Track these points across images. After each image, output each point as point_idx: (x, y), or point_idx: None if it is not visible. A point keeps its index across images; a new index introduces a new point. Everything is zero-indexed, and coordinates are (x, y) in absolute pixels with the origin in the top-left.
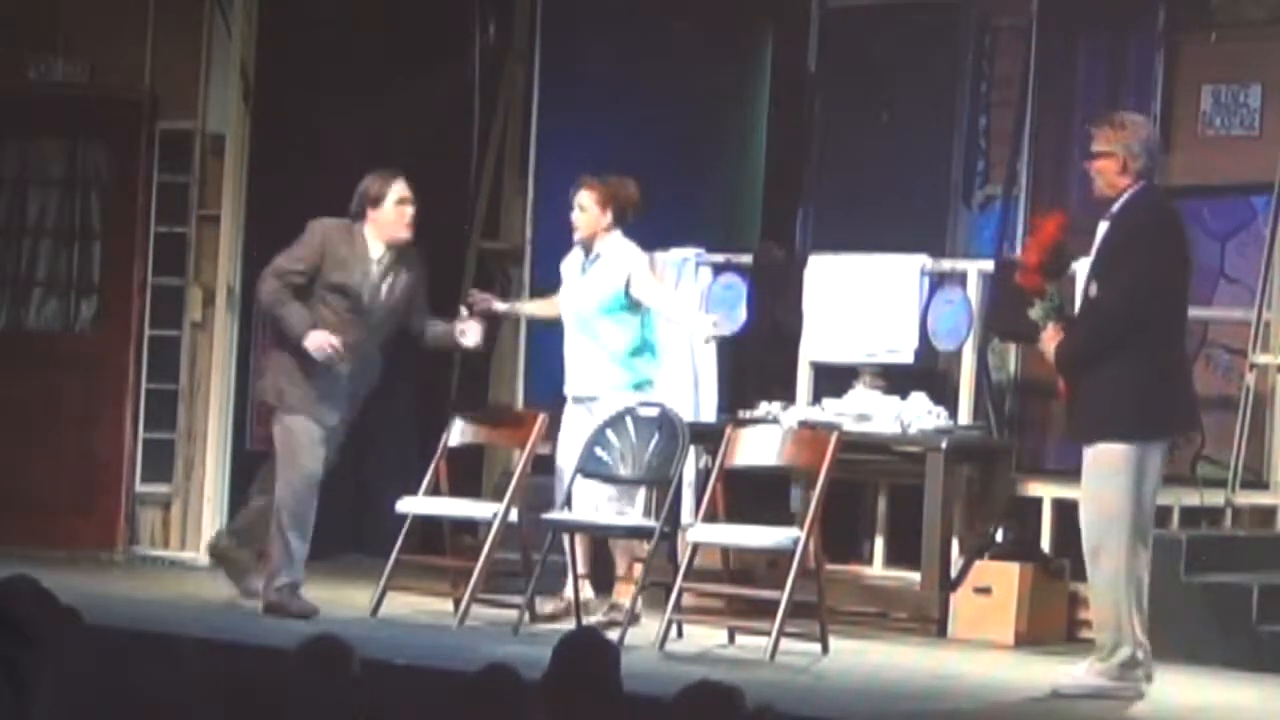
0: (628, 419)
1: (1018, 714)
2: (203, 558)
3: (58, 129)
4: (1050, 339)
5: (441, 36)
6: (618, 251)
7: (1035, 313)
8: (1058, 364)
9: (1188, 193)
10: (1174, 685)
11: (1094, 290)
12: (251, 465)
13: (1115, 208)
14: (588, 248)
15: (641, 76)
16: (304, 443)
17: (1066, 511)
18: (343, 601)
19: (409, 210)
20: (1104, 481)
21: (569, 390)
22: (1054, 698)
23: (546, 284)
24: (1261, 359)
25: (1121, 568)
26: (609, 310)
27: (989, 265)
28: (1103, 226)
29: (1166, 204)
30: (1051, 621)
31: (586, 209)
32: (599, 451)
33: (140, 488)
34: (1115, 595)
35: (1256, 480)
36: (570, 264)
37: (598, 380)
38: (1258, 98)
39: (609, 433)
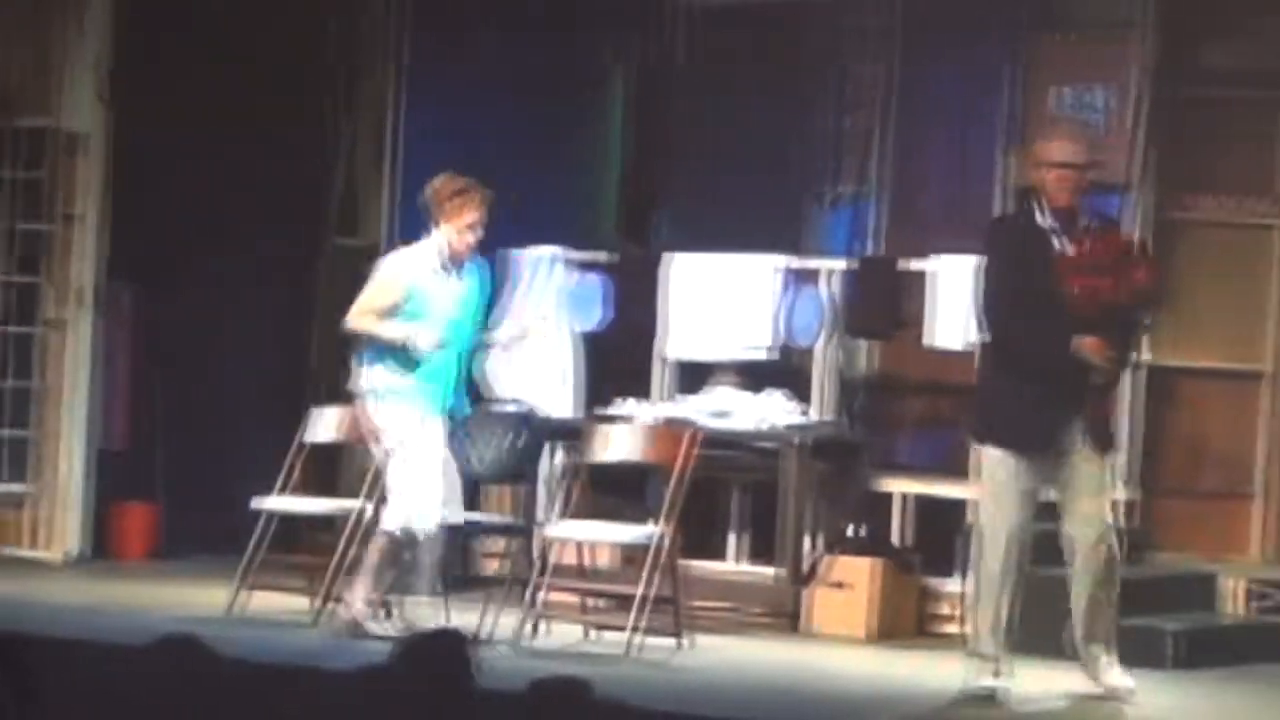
0: (486, 417)
1: (873, 707)
2: (58, 556)
3: None
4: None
5: (301, 32)
6: None
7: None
8: None
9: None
10: (1034, 678)
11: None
12: (114, 465)
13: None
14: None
15: (501, 74)
16: None
17: (919, 507)
18: (199, 601)
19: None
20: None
21: None
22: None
23: None
24: None
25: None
26: None
27: (842, 264)
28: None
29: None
30: (904, 616)
31: None
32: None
33: None
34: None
35: None
36: None
37: None
38: (1104, 98)
39: (469, 430)
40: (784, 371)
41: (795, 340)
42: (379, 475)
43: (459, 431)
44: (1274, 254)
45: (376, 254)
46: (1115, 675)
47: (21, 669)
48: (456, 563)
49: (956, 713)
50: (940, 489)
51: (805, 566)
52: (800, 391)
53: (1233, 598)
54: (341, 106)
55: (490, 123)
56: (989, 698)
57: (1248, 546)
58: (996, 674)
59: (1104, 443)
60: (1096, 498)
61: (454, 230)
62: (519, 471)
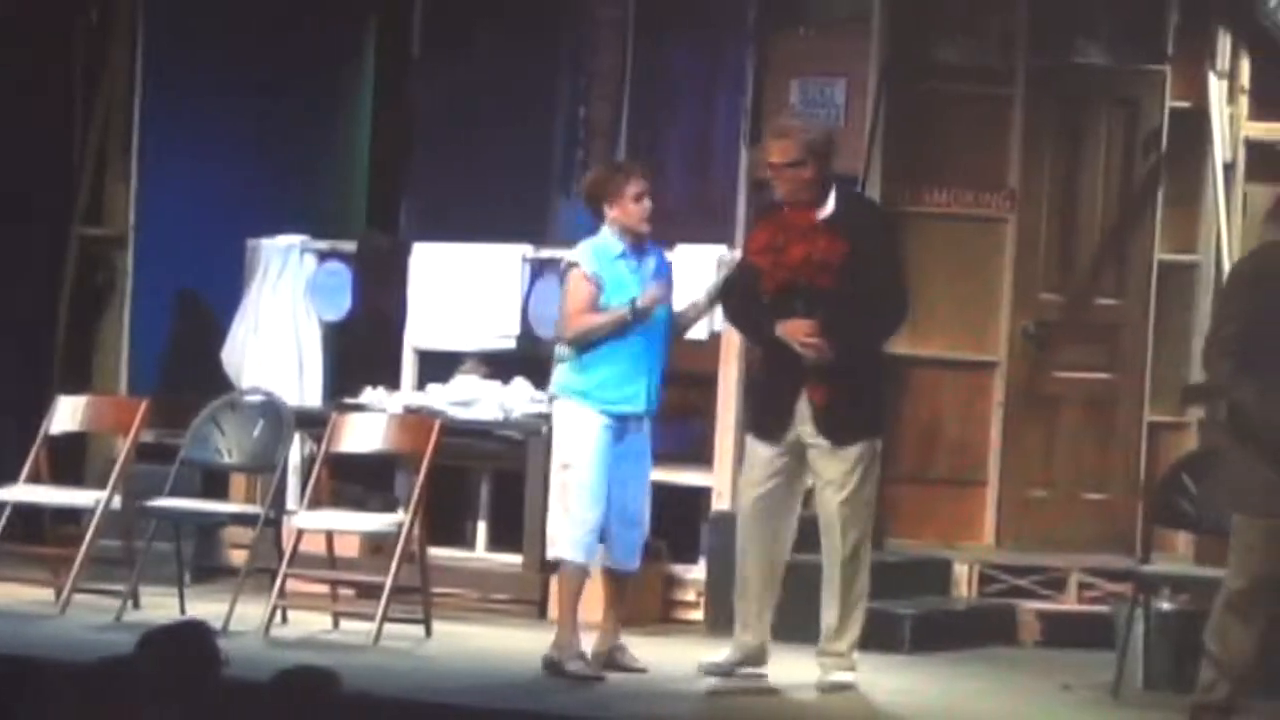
0: (232, 406)
1: (616, 693)
2: None
3: None
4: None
5: (44, 17)
6: None
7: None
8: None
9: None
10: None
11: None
12: None
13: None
14: None
15: (248, 62)
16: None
17: (664, 495)
18: None
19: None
20: None
21: None
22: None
23: (152, 271)
24: None
25: None
26: None
27: None
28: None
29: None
30: (648, 603)
31: None
32: (205, 438)
33: None
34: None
35: None
36: None
37: None
38: (842, 92)
39: (215, 420)
40: (530, 361)
41: (541, 330)
42: (126, 466)
43: (207, 421)
44: (1006, 246)
45: (124, 243)
46: (838, 674)
47: None
48: (203, 553)
49: (701, 697)
50: (685, 477)
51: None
52: (546, 381)
53: (966, 582)
54: (86, 96)
55: (235, 111)
56: (738, 681)
57: (981, 532)
58: (745, 658)
59: (833, 429)
60: (839, 493)
61: (622, 208)
62: (265, 460)
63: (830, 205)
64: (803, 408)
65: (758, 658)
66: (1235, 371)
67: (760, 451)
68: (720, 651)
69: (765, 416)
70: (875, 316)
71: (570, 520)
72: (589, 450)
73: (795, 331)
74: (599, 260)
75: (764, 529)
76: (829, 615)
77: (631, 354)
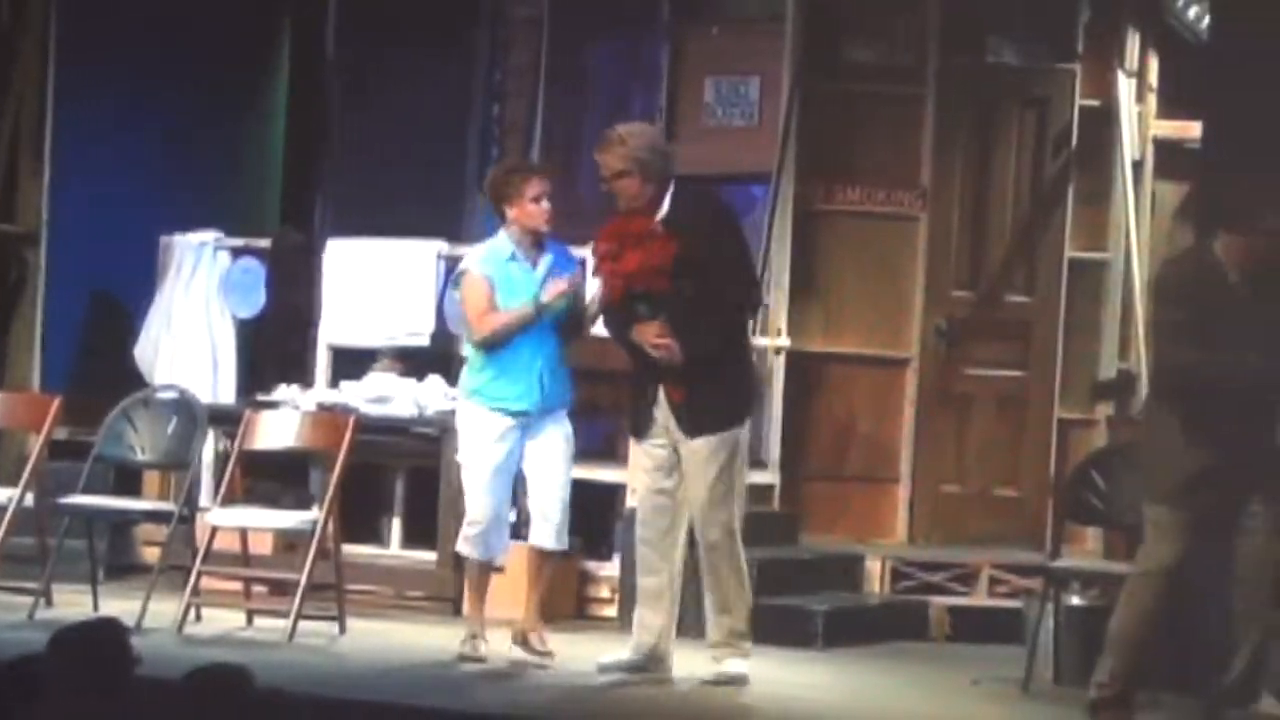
0: (146, 403)
1: (528, 687)
2: None
3: None
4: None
5: None
6: None
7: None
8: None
9: (693, 182)
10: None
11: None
12: None
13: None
14: None
15: (160, 60)
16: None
17: (578, 492)
18: None
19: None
20: None
21: None
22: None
23: (64, 268)
24: (761, 342)
25: None
26: None
27: None
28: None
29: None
30: (563, 599)
31: None
32: (118, 435)
33: None
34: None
35: (754, 460)
36: None
37: None
38: (756, 90)
39: (128, 417)
40: (444, 357)
41: (453, 327)
42: (39, 462)
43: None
44: (918, 244)
45: (36, 240)
46: (730, 663)
47: None
48: (115, 550)
49: (604, 690)
50: (598, 474)
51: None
52: (458, 377)
53: (878, 578)
54: None
55: (148, 108)
56: (639, 674)
57: (893, 529)
58: (644, 659)
59: (693, 422)
60: (698, 484)
61: (521, 208)
62: (179, 458)
63: (665, 209)
64: (664, 404)
65: (657, 659)
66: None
67: (641, 449)
68: (621, 650)
69: (635, 416)
70: (719, 313)
71: (467, 518)
72: (478, 449)
73: (644, 335)
74: (489, 263)
75: (654, 528)
76: (708, 606)
77: (518, 351)
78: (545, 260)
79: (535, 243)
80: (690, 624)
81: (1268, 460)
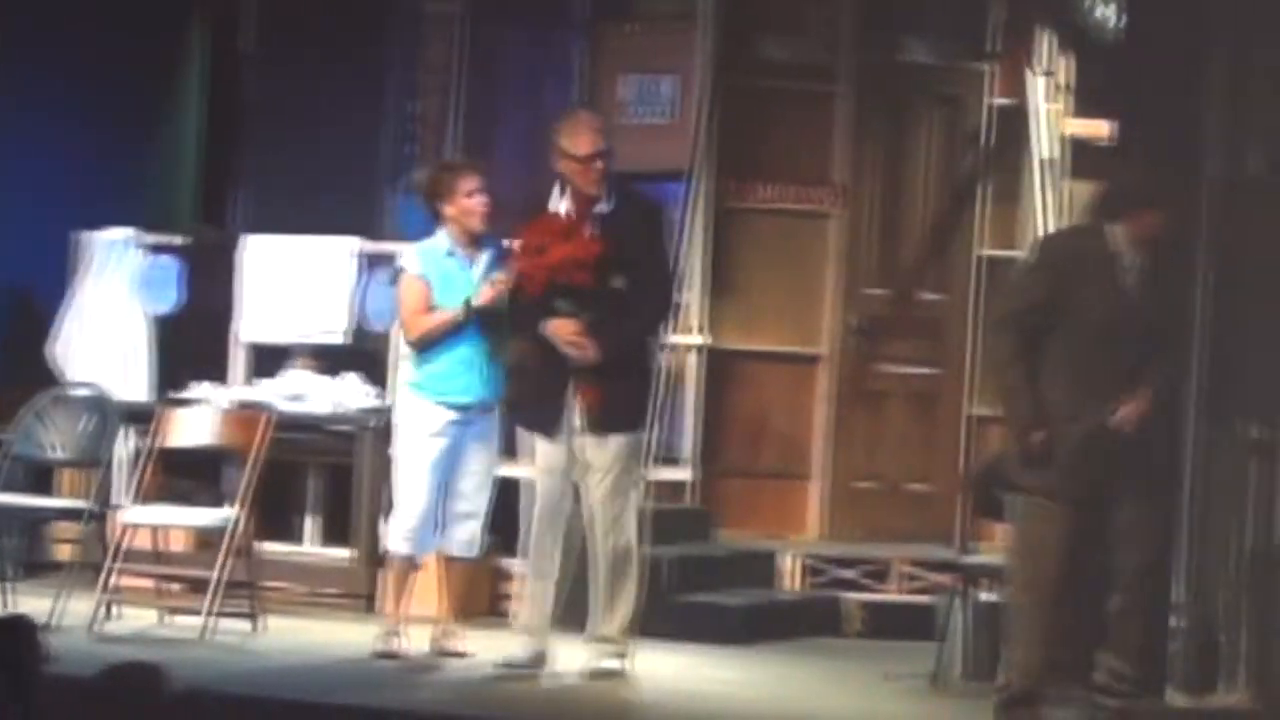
0: (59, 400)
1: (429, 681)
2: None
3: None
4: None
5: None
6: None
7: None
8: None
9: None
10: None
11: (622, 283)
12: None
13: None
14: None
15: (75, 56)
16: None
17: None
18: None
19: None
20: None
21: None
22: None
23: None
24: (677, 339)
25: None
26: None
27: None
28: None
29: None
30: (477, 594)
31: None
32: (31, 433)
33: None
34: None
35: (670, 456)
36: None
37: None
38: (672, 87)
39: (41, 414)
40: (360, 355)
41: (370, 324)
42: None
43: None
44: (830, 241)
45: None
46: (610, 661)
47: None
48: (28, 548)
49: (495, 685)
50: (510, 470)
51: (379, 548)
52: (375, 375)
53: (791, 574)
54: None
55: (62, 104)
56: (530, 671)
57: (805, 525)
58: (539, 649)
59: (600, 422)
60: (602, 481)
61: (456, 205)
62: (93, 455)
63: (611, 201)
64: (572, 402)
65: (542, 656)
66: (1016, 349)
67: (542, 446)
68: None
69: (539, 413)
70: (638, 314)
71: (396, 513)
72: (415, 443)
73: (560, 330)
74: (426, 261)
75: (551, 528)
76: (595, 602)
77: (462, 345)
78: (483, 258)
79: (473, 240)
80: (570, 621)
81: (1110, 437)
